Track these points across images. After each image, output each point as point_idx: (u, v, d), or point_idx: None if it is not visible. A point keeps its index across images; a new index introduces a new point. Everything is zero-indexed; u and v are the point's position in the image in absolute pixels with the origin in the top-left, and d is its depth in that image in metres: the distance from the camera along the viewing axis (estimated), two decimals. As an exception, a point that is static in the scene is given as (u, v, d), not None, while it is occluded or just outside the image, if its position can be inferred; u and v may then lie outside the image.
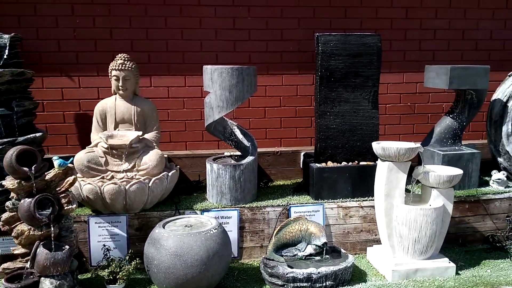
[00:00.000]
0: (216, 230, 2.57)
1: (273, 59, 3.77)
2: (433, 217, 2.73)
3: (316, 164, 3.22)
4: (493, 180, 3.40)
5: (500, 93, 3.48)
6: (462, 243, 3.31)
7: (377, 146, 2.80)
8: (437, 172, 2.86)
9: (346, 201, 3.17)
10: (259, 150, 3.72)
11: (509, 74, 3.51)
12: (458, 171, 2.82)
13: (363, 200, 3.17)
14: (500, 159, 3.52)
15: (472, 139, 4.16)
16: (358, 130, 3.30)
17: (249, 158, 3.09)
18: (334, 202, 3.16)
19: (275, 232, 2.91)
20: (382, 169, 2.83)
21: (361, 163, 3.28)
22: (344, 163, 3.29)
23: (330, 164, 3.26)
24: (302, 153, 3.70)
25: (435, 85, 3.39)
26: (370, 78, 3.25)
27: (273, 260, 2.75)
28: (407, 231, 2.76)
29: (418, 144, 2.83)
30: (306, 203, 3.13)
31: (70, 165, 2.56)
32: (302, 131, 3.95)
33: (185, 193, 3.37)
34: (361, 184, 3.18)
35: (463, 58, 3.99)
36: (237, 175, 3.01)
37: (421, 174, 2.84)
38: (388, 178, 2.80)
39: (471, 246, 3.31)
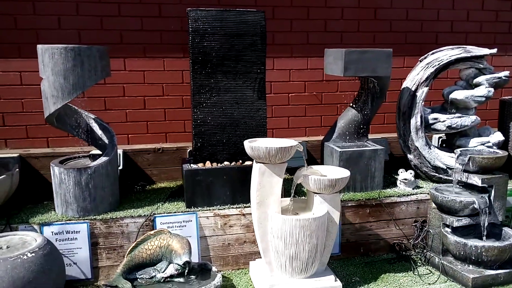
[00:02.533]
0: (33, 254, 2.08)
1: (151, 39, 3.30)
2: (312, 228, 2.35)
3: (188, 166, 2.79)
4: (400, 181, 3.08)
5: (409, 81, 3.15)
6: (364, 252, 2.99)
7: (247, 146, 2.39)
8: (320, 174, 2.51)
9: (224, 208, 2.75)
10: (137, 147, 3.28)
11: (420, 59, 3.18)
12: (344, 174, 2.46)
13: (246, 207, 2.77)
14: (410, 156, 3.21)
15: (393, 132, 3.87)
16: (242, 124, 2.88)
17: (101, 160, 2.60)
18: (210, 210, 2.74)
19: (129, 250, 2.47)
20: (254, 173, 2.43)
21: (246, 163, 2.89)
22: (226, 163, 2.87)
23: (208, 164, 2.84)
24: (188, 150, 3.27)
25: (333, 72, 3.01)
26: (255, 63, 2.82)
27: (116, 286, 2.31)
28: (283, 246, 2.38)
29: (295, 142, 2.44)
30: (175, 212, 2.70)
31: None
32: (191, 124, 3.50)
33: (38, 201, 2.87)
34: (243, 188, 2.76)
35: (376, 41, 3.65)
36: (83, 180, 2.53)
37: (302, 177, 2.47)
38: (260, 183, 2.40)
39: (374, 256, 2.99)
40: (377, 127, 3.81)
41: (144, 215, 2.65)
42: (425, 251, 2.87)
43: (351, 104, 3.18)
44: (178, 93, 3.40)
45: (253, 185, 2.45)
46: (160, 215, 2.66)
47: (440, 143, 3.58)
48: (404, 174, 3.04)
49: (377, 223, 2.96)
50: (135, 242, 2.49)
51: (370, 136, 3.64)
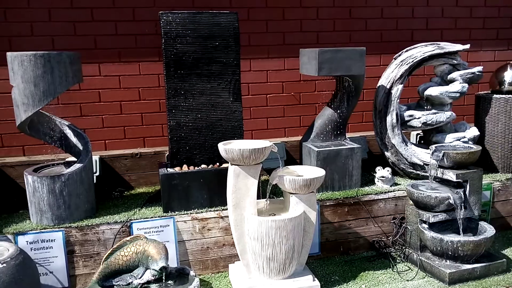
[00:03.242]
0: (4, 265, 2.04)
1: (126, 43, 3.28)
2: (288, 229, 2.36)
3: (164, 170, 2.78)
4: (377, 178, 3.10)
5: (384, 79, 3.18)
6: (344, 251, 3.00)
7: (221, 148, 2.39)
8: (296, 175, 2.52)
9: (202, 212, 2.74)
10: (114, 153, 3.26)
11: (394, 56, 3.21)
12: (319, 173, 2.47)
13: (223, 209, 2.76)
14: (387, 154, 3.24)
15: (371, 130, 3.90)
16: (218, 126, 2.88)
17: (75, 167, 2.58)
18: (187, 213, 2.72)
19: (104, 257, 2.45)
20: (229, 175, 2.43)
21: (224, 165, 2.88)
22: (203, 166, 2.87)
23: (185, 168, 2.83)
24: (166, 155, 3.25)
25: (307, 72, 3.03)
26: (229, 65, 2.82)
27: (92, 294, 2.30)
28: (260, 248, 2.38)
29: (269, 143, 2.45)
30: (152, 217, 2.69)
31: None
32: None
33: (14, 210, 2.83)
34: (221, 191, 2.75)
35: (352, 40, 3.67)
36: (57, 188, 2.51)
37: (277, 178, 2.48)
38: (235, 186, 2.40)
39: (354, 255, 3.01)
40: (356, 126, 3.84)
41: (121, 221, 2.63)
42: (403, 247, 2.89)
43: (328, 104, 3.21)
44: (154, 97, 3.39)
45: (228, 188, 2.44)
46: (137, 220, 2.64)
47: (418, 139, 3.62)
48: (381, 172, 3.06)
49: (356, 221, 2.98)
50: (111, 249, 2.47)
51: (349, 134, 3.67)
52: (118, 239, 2.62)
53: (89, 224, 2.60)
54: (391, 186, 3.08)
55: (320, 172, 2.51)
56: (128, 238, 2.53)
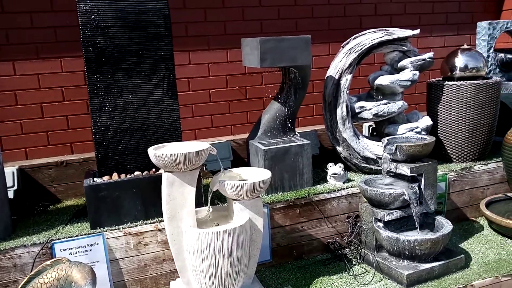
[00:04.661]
0: None
1: (44, 37, 2.91)
2: (232, 240, 2.12)
3: (90, 180, 2.46)
4: (330, 175, 2.92)
5: (332, 69, 2.99)
6: (297, 255, 2.80)
7: (151, 153, 2.11)
8: (239, 178, 2.28)
9: (137, 225, 2.45)
10: (37, 162, 2.89)
11: (342, 45, 3.03)
12: (264, 176, 2.25)
13: (161, 221, 2.48)
14: (339, 148, 3.06)
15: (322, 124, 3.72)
16: (152, 127, 2.58)
17: (-20, 183, 2.23)
18: (119, 228, 2.42)
19: (20, 286, 2.12)
20: (163, 184, 2.16)
21: (161, 171, 2.60)
22: (137, 173, 2.57)
23: (115, 177, 2.52)
24: (98, 161, 2.93)
25: (250, 63, 2.79)
26: (161, 58, 2.53)
27: (3, 333, 1.97)
28: (201, 263, 2.13)
29: (207, 145, 2.19)
30: (77, 236, 2.37)
31: None
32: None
33: None
34: (157, 200, 2.42)
35: (298, 28, 3.47)
36: (-42, 209, 2.15)
37: (218, 184, 2.23)
38: (170, 195, 2.13)
39: (308, 259, 2.82)
40: (307, 119, 3.65)
41: (40, 242, 2.30)
42: (359, 248, 2.74)
43: (274, 98, 2.98)
44: (81, 97, 3.03)
45: (163, 198, 2.17)
46: (59, 240, 2.30)
47: (370, 131, 3.48)
48: (333, 169, 2.88)
49: (308, 223, 2.78)
50: (28, 277, 2.12)
51: (299, 129, 3.48)
52: (38, 264, 2.29)
53: (2, 248, 2.24)
54: (344, 183, 2.91)
55: (266, 175, 2.28)
56: (48, 262, 2.18)
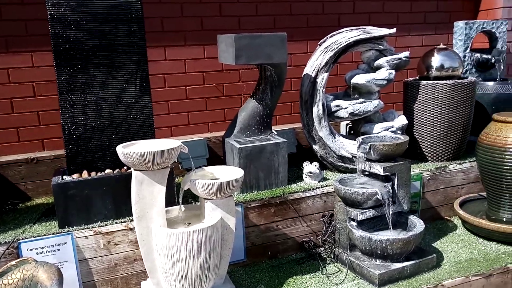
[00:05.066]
0: None
1: (14, 30, 2.82)
2: (202, 240, 2.09)
3: (58, 178, 2.40)
4: (305, 174, 2.91)
5: (309, 67, 2.97)
6: (272, 254, 2.79)
7: (119, 151, 2.06)
8: (212, 177, 2.25)
9: (107, 225, 2.40)
10: (5, 159, 2.81)
11: (319, 43, 3.01)
12: (237, 175, 2.22)
13: (132, 220, 2.44)
14: (315, 147, 3.05)
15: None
16: (124, 124, 2.52)
17: None
18: (89, 228, 2.37)
19: (-17, 287, 2.07)
20: (132, 182, 2.12)
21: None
22: (108, 171, 2.52)
23: (85, 175, 2.46)
24: (69, 158, 2.86)
25: (226, 60, 2.75)
26: (133, 53, 2.47)
27: (-37, 336, 1.91)
28: (171, 264, 2.10)
29: (178, 143, 2.16)
30: (45, 235, 2.31)
31: None
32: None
33: None
34: (128, 199, 2.37)
35: (276, 25, 3.43)
36: None
37: (188, 182, 2.20)
38: (139, 195, 2.09)
39: (282, 258, 2.80)
40: (285, 117, 3.63)
41: (6, 242, 2.23)
42: (333, 247, 2.74)
43: (251, 95, 2.95)
44: (52, 92, 2.93)
45: (132, 197, 2.12)
46: (26, 240, 2.24)
47: (348, 130, 3.48)
48: (309, 167, 2.87)
49: (283, 222, 2.76)
50: (-8, 277, 2.09)
51: (277, 127, 3.47)
52: (3, 264, 2.23)
53: (-35, 248, 2.19)
54: (319, 181, 2.90)
55: (238, 174, 2.25)
56: (13, 263, 2.12)
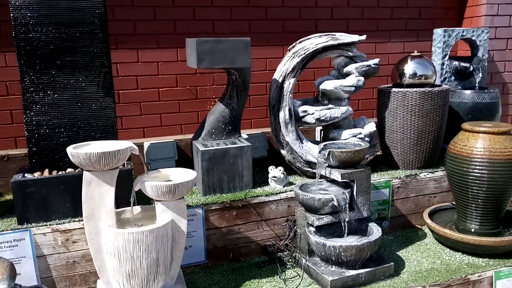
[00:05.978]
0: None
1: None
2: (149, 241, 2.11)
3: (18, 176, 2.45)
4: (270, 178, 2.92)
5: (277, 72, 2.97)
6: (234, 257, 2.80)
7: (68, 152, 2.10)
8: (165, 179, 2.27)
9: (65, 223, 2.45)
10: (-23, 156, 2.89)
11: (288, 48, 3.02)
12: (188, 177, 2.24)
13: (91, 219, 2.49)
14: (283, 152, 3.05)
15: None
16: (86, 125, 2.57)
17: None
18: (47, 225, 2.42)
19: None
20: (83, 183, 2.16)
21: (94, 169, 2.59)
22: (69, 170, 2.56)
23: (46, 173, 2.51)
24: (39, 157, 2.92)
25: (191, 64, 2.77)
26: (96, 55, 2.52)
27: None
28: (118, 264, 2.13)
29: (128, 144, 2.19)
30: (3, 231, 2.35)
31: None
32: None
33: None
34: None
35: (251, 30, 3.45)
36: None
37: (139, 184, 2.23)
38: (87, 194, 2.12)
39: (244, 261, 2.81)
40: (259, 121, 3.64)
41: (-36, 237, 2.30)
42: (294, 252, 2.74)
43: (220, 99, 2.97)
44: (25, 91, 3.02)
45: (82, 197, 2.17)
46: (-16, 235, 2.32)
47: (322, 135, 3.47)
48: (273, 172, 2.87)
49: (246, 225, 2.77)
50: None
51: (251, 131, 3.48)
52: (-39, 258, 2.29)
53: None
54: (284, 186, 2.90)
55: (189, 176, 2.27)
56: (-33, 257, 2.21)
